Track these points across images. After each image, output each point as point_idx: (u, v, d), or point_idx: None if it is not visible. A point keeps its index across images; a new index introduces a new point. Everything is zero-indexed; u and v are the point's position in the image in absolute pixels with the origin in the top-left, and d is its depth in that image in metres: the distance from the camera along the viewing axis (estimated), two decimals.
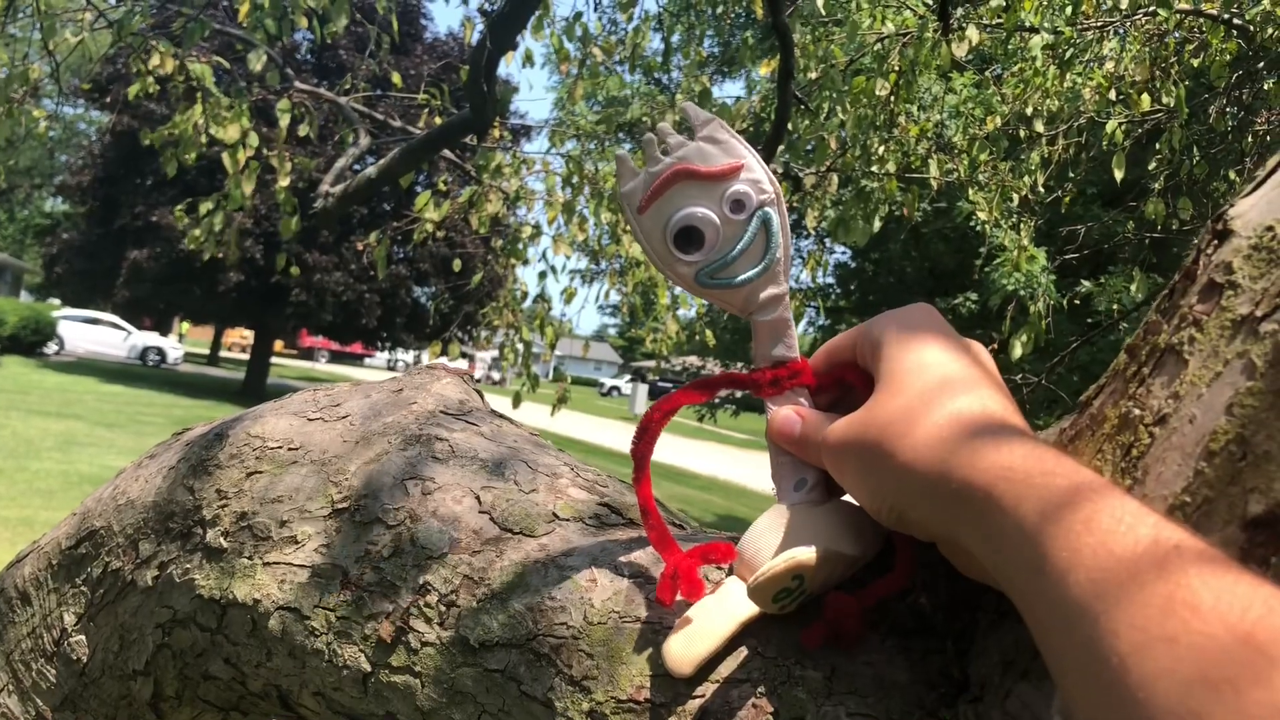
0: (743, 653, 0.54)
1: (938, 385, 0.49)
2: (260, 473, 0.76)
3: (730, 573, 0.57)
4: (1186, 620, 0.33)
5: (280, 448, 0.77)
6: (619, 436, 19.36)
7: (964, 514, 0.45)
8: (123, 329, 25.43)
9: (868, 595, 0.53)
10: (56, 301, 26.30)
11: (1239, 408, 0.44)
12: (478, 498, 0.68)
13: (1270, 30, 3.69)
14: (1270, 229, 0.46)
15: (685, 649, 0.52)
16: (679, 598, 0.55)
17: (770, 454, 0.59)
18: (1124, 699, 0.33)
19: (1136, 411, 0.49)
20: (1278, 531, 0.42)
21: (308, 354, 45.58)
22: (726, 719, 0.52)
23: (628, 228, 5.01)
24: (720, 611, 0.54)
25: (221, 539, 0.74)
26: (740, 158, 0.56)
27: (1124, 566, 0.36)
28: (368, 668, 0.64)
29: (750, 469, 16.73)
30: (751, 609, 0.54)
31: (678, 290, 5.60)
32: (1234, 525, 0.44)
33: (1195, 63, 3.78)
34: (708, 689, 0.53)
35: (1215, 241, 0.49)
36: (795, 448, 0.57)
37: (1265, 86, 3.77)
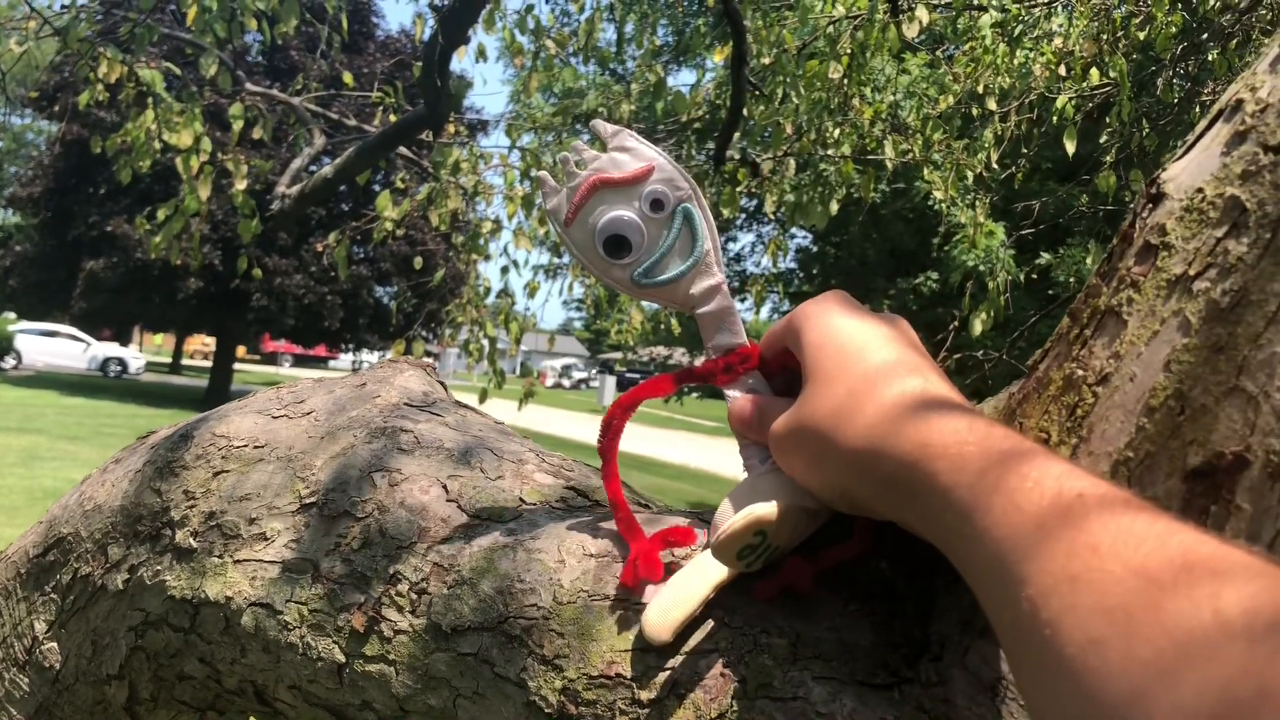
0: (710, 624, 0.55)
1: (866, 374, 0.51)
2: (227, 472, 0.76)
3: (703, 549, 0.58)
4: (1087, 560, 0.35)
5: (246, 446, 0.77)
6: (588, 429, 19.35)
7: (897, 492, 0.47)
8: (81, 340, 25.09)
9: (823, 560, 0.55)
10: (12, 315, 25.91)
11: (1176, 364, 0.46)
12: (445, 486, 0.68)
13: (1213, 2, 3.74)
14: (1200, 191, 0.47)
15: (662, 616, 0.54)
16: (642, 579, 0.57)
17: (735, 435, 0.61)
18: (1037, 639, 0.35)
19: (1080, 372, 0.50)
20: (1216, 482, 0.44)
21: (271, 359, 45.17)
22: (696, 688, 0.53)
23: None
24: (694, 577, 0.55)
25: (191, 539, 0.74)
26: (650, 160, 0.59)
27: (1031, 520, 0.38)
28: (342, 659, 0.65)
29: (720, 456, 16.77)
30: (724, 571, 0.55)
31: None
32: (1175, 478, 0.45)
33: (1141, 36, 3.82)
34: (677, 660, 0.54)
35: (1150, 205, 0.51)
36: (752, 434, 0.59)
37: (1210, 58, 3.82)
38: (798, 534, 0.55)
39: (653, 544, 0.58)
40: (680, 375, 0.64)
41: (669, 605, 0.54)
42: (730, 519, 0.54)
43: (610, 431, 0.62)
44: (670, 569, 0.57)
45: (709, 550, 0.57)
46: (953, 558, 0.44)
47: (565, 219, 0.59)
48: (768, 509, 0.53)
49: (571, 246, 0.60)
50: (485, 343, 5.16)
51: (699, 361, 0.63)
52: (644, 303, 5.75)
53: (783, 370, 0.60)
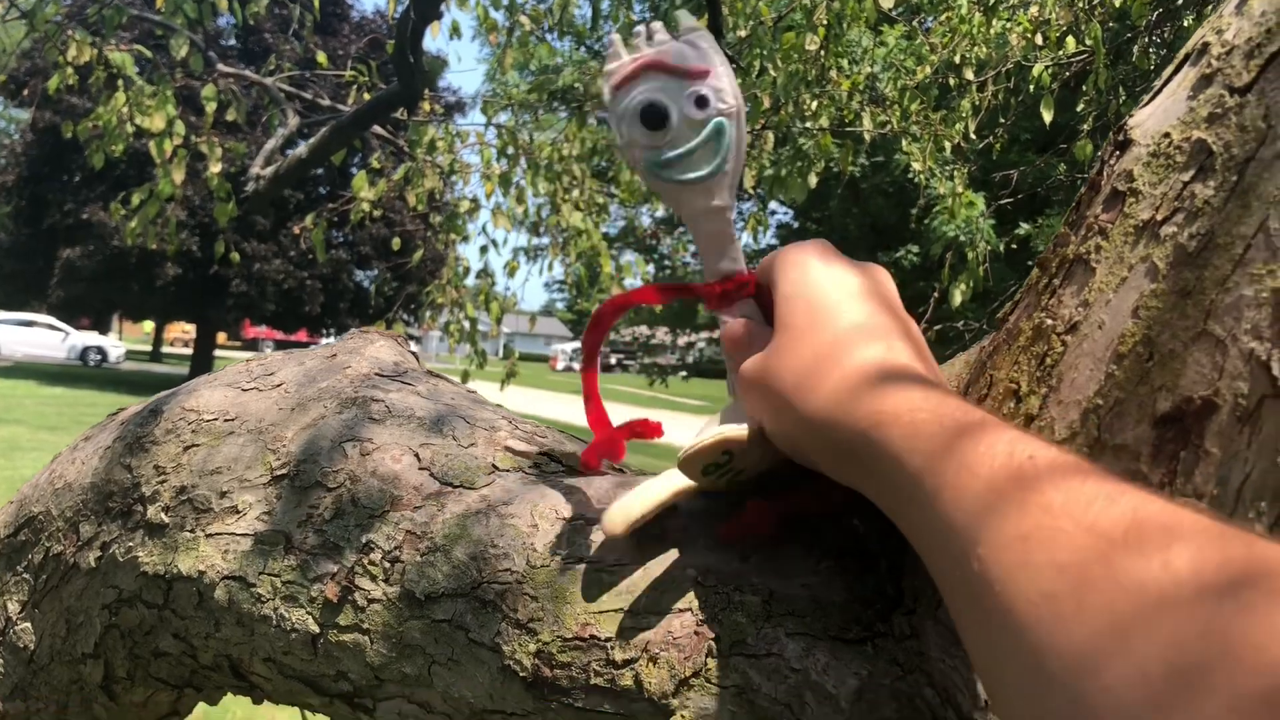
0: (684, 584, 0.55)
1: (833, 338, 0.51)
2: (197, 445, 0.75)
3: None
4: (1039, 519, 0.35)
5: (216, 419, 0.76)
6: (573, 410, 19.33)
7: (852, 460, 0.47)
8: (60, 330, 24.90)
9: (786, 503, 0.56)
10: None
11: (1144, 310, 0.46)
12: (416, 455, 0.68)
13: None
14: (1167, 135, 0.47)
15: (622, 511, 0.55)
16: (604, 458, 0.59)
17: (726, 361, 0.61)
18: (987, 597, 0.36)
19: (1049, 321, 0.50)
20: (1185, 427, 0.44)
21: (252, 345, 44.96)
22: (670, 648, 0.53)
23: (567, 194, 4.99)
24: (659, 482, 0.57)
25: (162, 514, 0.74)
26: (712, 65, 0.59)
27: (984, 482, 0.38)
28: (316, 629, 0.64)
29: None
30: (688, 481, 0.56)
31: (623, 259, 5.61)
32: (1145, 424, 0.45)
33: (1116, 3, 3.82)
34: (651, 620, 0.54)
35: (1117, 152, 0.50)
36: (741, 357, 0.59)
37: (1185, 24, 3.83)
38: (765, 460, 0.56)
39: (619, 431, 0.59)
40: (676, 288, 0.65)
41: (629, 502, 0.56)
42: (701, 435, 0.55)
43: (598, 328, 0.63)
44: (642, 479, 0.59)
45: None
46: (903, 524, 0.44)
47: (615, 83, 0.59)
48: (738, 430, 0.54)
49: (612, 110, 0.60)
50: (466, 324, 5.14)
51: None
52: (626, 281, 5.74)
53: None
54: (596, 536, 0.59)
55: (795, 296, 0.53)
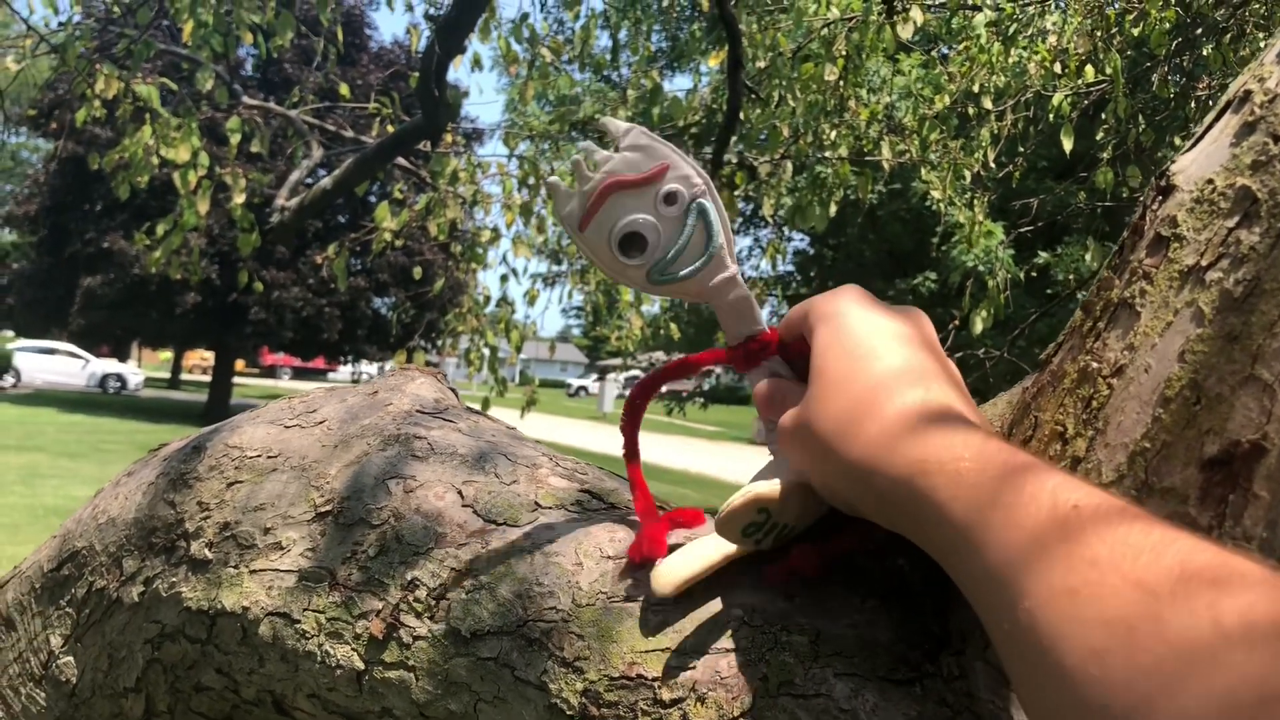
0: (731, 624, 0.55)
1: (870, 385, 0.51)
2: (241, 482, 0.76)
3: None
4: (1084, 573, 0.35)
5: (259, 456, 0.77)
6: (590, 436, 19.34)
7: (894, 507, 0.47)
8: (80, 357, 25.08)
9: (831, 547, 0.56)
10: (10, 333, 25.87)
11: (1190, 354, 0.46)
12: (460, 492, 0.69)
13: None
14: (1210, 181, 0.48)
15: (671, 572, 0.55)
16: (646, 557, 0.59)
17: (761, 420, 0.62)
18: (1036, 651, 0.36)
19: (1094, 365, 0.51)
20: (1233, 470, 0.44)
21: (270, 372, 45.22)
22: (718, 687, 0.53)
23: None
24: (710, 544, 0.57)
25: (206, 550, 0.74)
26: (665, 158, 0.58)
27: (1028, 534, 0.38)
28: (361, 666, 0.65)
29: (722, 461, 16.73)
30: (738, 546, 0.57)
31: None
32: (1192, 467, 0.46)
33: (1135, 32, 3.83)
34: (698, 660, 0.54)
35: (1160, 197, 0.51)
36: (772, 416, 0.59)
37: (1204, 53, 3.84)
38: (809, 511, 0.56)
39: (660, 524, 0.60)
40: (702, 358, 0.65)
41: (679, 564, 0.56)
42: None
43: (633, 414, 0.64)
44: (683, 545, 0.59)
45: None
46: (951, 571, 0.44)
47: (579, 224, 0.59)
48: (768, 487, 0.54)
49: (586, 250, 0.60)
50: (486, 351, 5.16)
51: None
52: (644, 308, 5.76)
53: (802, 355, 0.60)
54: (641, 575, 0.59)
55: (831, 345, 0.54)
